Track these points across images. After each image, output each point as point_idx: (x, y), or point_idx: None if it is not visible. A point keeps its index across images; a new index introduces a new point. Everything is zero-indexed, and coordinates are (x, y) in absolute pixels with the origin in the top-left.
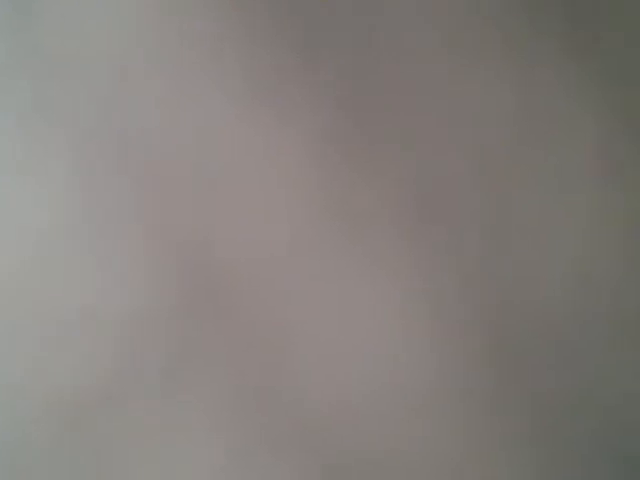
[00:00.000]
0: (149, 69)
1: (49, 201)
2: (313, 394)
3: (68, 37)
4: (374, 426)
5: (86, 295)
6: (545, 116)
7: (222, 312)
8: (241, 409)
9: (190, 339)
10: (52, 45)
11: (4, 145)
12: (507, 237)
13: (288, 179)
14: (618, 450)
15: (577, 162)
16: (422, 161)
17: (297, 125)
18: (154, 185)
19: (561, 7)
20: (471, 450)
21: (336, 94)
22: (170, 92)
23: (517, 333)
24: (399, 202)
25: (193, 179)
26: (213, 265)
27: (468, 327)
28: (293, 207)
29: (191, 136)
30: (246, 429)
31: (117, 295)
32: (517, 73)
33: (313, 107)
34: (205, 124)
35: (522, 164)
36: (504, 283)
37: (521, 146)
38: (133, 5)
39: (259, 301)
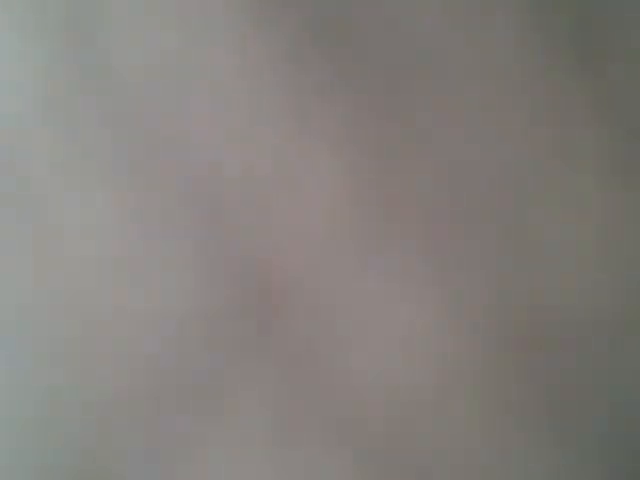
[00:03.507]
0: (204, 91)
1: (107, 205)
2: (362, 393)
3: (132, 56)
4: (404, 427)
5: (135, 297)
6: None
7: (272, 313)
8: (292, 409)
9: (240, 340)
10: (116, 62)
11: (71, 161)
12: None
13: (328, 194)
14: (630, 446)
15: (598, 179)
16: (455, 164)
17: (332, 140)
18: (208, 195)
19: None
20: (488, 446)
21: (369, 102)
22: (216, 112)
23: (537, 336)
24: (432, 204)
25: (243, 190)
26: (265, 267)
27: (490, 325)
28: (335, 215)
29: (241, 153)
30: (297, 429)
31: (168, 296)
32: (536, 89)
33: (347, 121)
34: (253, 137)
35: (546, 177)
36: (523, 287)
37: (548, 158)
38: (189, 29)
39: (309, 303)
